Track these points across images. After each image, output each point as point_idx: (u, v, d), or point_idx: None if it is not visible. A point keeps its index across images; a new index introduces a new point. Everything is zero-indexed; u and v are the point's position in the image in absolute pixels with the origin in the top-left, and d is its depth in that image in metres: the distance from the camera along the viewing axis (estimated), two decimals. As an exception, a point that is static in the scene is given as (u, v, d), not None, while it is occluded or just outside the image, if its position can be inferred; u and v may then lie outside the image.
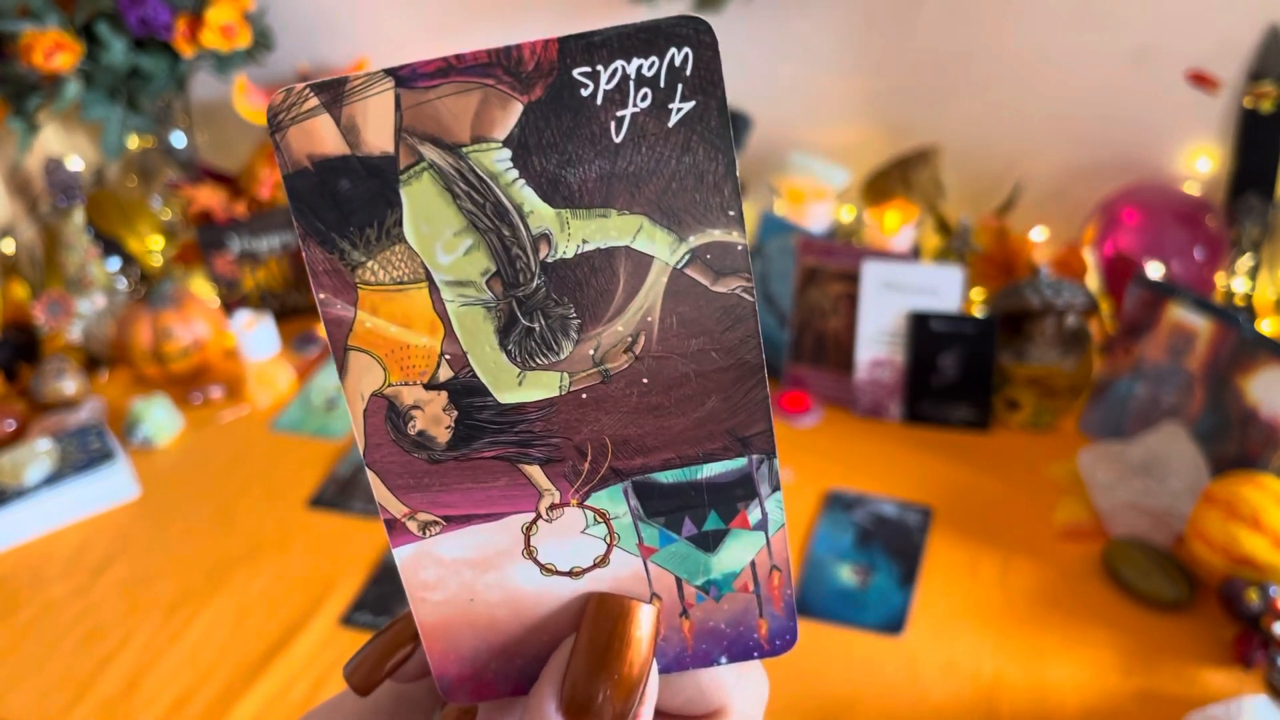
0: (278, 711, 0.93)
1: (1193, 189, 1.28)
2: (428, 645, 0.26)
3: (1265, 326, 1.24)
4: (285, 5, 1.55)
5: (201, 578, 1.09)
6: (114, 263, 1.53)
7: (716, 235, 0.23)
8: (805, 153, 1.38)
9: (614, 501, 0.26)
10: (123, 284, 1.53)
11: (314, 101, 0.23)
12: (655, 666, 0.25)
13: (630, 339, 0.24)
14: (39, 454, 1.20)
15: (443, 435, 0.25)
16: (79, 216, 1.49)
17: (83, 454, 1.21)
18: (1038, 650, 0.91)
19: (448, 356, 0.24)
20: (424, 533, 0.26)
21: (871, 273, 1.19)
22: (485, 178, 0.23)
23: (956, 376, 1.18)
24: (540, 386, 0.25)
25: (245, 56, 1.49)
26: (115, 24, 1.39)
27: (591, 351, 0.24)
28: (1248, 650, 0.87)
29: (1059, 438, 1.17)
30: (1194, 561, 0.95)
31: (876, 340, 1.21)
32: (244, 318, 1.34)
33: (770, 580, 0.26)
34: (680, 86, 0.22)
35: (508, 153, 0.23)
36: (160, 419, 1.29)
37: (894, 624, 0.95)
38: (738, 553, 0.26)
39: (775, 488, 0.26)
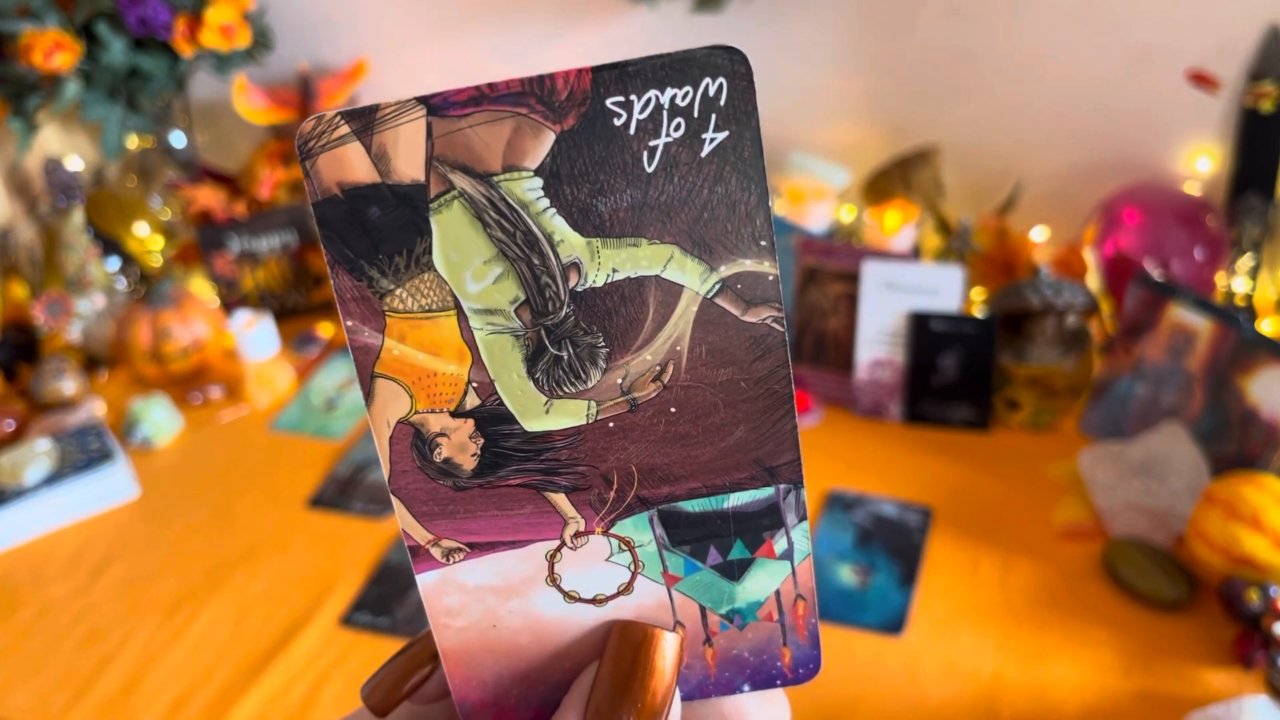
0: (278, 711, 0.93)
1: (1193, 189, 1.28)
2: (449, 670, 0.26)
3: (1265, 326, 1.24)
4: (285, 5, 1.55)
5: (201, 578, 1.09)
6: (113, 263, 1.53)
7: (748, 265, 0.23)
8: (805, 153, 1.38)
9: (639, 530, 0.25)
10: (122, 284, 1.53)
11: (344, 129, 0.23)
12: (678, 695, 0.25)
13: (659, 368, 0.24)
14: (39, 454, 1.20)
15: (468, 463, 0.25)
16: (78, 216, 1.49)
17: (82, 454, 1.21)
18: (1038, 650, 0.91)
19: (475, 384, 0.24)
20: (448, 559, 0.26)
21: (871, 273, 1.19)
22: (516, 206, 0.23)
23: (956, 376, 1.18)
24: (567, 415, 0.25)
25: (245, 56, 1.49)
26: (115, 24, 1.38)
27: (620, 380, 0.24)
28: (1248, 650, 0.87)
29: (1059, 438, 1.17)
30: (1194, 561, 0.95)
31: (876, 340, 1.21)
32: (243, 318, 1.34)
33: (795, 609, 0.26)
34: (714, 116, 0.22)
35: (539, 182, 0.23)
36: (160, 419, 1.29)
37: (894, 624, 0.95)
38: (763, 582, 0.26)
39: (802, 517, 0.26)
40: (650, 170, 0.23)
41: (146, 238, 1.64)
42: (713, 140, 0.23)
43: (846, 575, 1.01)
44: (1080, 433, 1.17)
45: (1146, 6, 1.23)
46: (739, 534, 0.25)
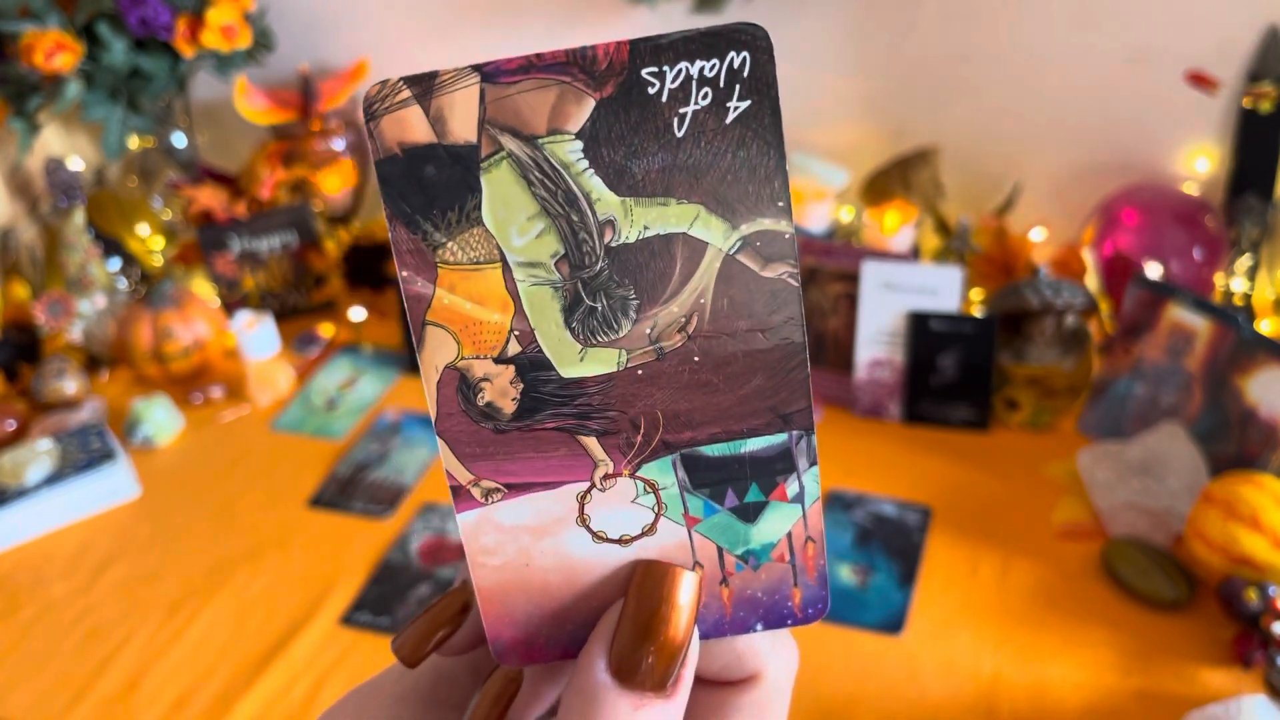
0: (278, 711, 0.93)
1: (1192, 189, 1.28)
2: (484, 608, 0.28)
3: (1264, 326, 1.24)
4: (285, 5, 1.55)
5: (201, 578, 1.09)
6: (114, 263, 1.53)
7: (766, 224, 0.25)
8: (805, 153, 1.38)
9: (663, 473, 0.27)
10: (123, 284, 1.54)
11: (406, 93, 0.25)
12: (697, 632, 0.26)
13: (684, 319, 0.26)
14: (40, 454, 1.20)
15: (509, 407, 0.27)
16: (80, 217, 1.49)
17: (83, 454, 1.21)
18: (1037, 650, 0.91)
19: (516, 333, 0.26)
20: (487, 499, 0.27)
21: (871, 273, 1.19)
22: (558, 167, 0.25)
23: (956, 376, 1.18)
24: (600, 362, 0.26)
25: (245, 57, 1.49)
26: (116, 24, 1.39)
27: (648, 330, 0.26)
28: (1247, 650, 0.87)
29: (1058, 438, 1.17)
30: (1193, 561, 0.95)
31: (876, 340, 1.21)
32: (244, 318, 1.34)
33: (805, 551, 0.27)
34: (738, 87, 0.24)
35: (580, 144, 0.25)
36: (161, 419, 1.29)
37: (893, 624, 0.95)
38: (776, 524, 0.27)
39: (813, 462, 0.27)
40: (680, 135, 0.24)
41: (148, 238, 1.64)
42: (736, 109, 0.24)
43: (846, 575, 1.01)
44: (1079, 432, 1.17)
45: (1146, 7, 1.23)
46: (754, 478, 0.27)
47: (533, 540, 0.27)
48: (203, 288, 1.51)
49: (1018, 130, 1.35)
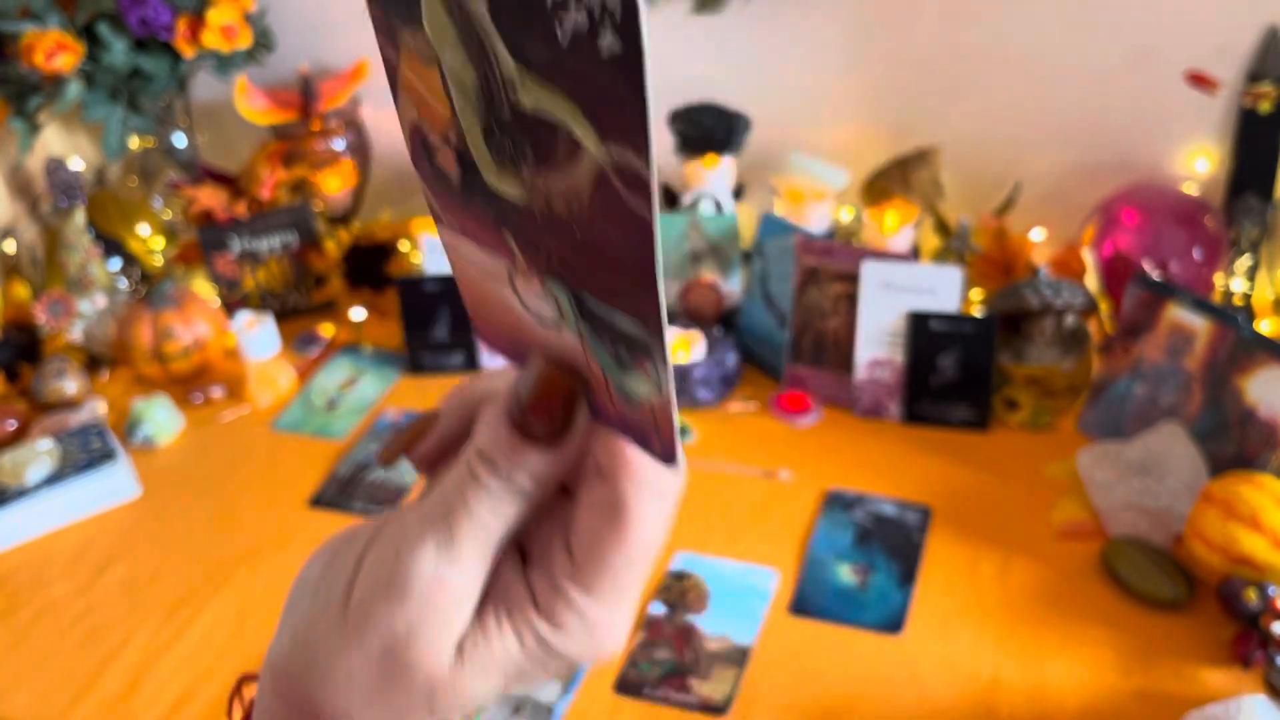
0: (278, 711, 0.93)
1: (1191, 189, 1.29)
2: (464, 299, 0.34)
3: (1264, 326, 1.24)
4: (285, 6, 1.55)
5: (202, 578, 1.09)
6: (115, 263, 1.53)
7: (630, 159, 0.23)
8: (805, 153, 1.38)
9: (561, 294, 0.28)
10: (123, 284, 1.54)
11: None
12: (586, 410, 0.30)
13: (564, 198, 0.26)
14: (40, 454, 1.20)
15: (455, 179, 0.29)
16: (80, 217, 1.49)
17: (84, 454, 1.21)
18: (1037, 650, 0.91)
19: (454, 129, 0.28)
20: (453, 234, 0.31)
21: (871, 273, 1.19)
22: (472, 14, 0.25)
23: (956, 376, 1.18)
24: (510, 187, 0.28)
25: (246, 57, 1.49)
26: (116, 24, 1.39)
27: (541, 187, 0.27)
28: (1246, 649, 0.87)
29: (1058, 437, 1.17)
30: (1193, 561, 0.95)
31: (876, 340, 1.21)
32: (245, 318, 1.34)
33: (662, 414, 0.28)
34: (608, 27, 0.22)
35: (485, 4, 0.25)
36: (161, 419, 1.29)
37: (893, 623, 0.95)
38: (640, 386, 0.28)
39: (665, 363, 0.27)
40: (561, 44, 0.23)
41: (148, 238, 1.64)
42: (607, 47, 0.22)
43: (846, 574, 1.01)
44: (1079, 432, 1.17)
45: (1146, 7, 1.23)
46: (622, 343, 0.27)
47: (485, 280, 0.31)
48: (203, 288, 1.51)
49: (1018, 130, 1.35)
